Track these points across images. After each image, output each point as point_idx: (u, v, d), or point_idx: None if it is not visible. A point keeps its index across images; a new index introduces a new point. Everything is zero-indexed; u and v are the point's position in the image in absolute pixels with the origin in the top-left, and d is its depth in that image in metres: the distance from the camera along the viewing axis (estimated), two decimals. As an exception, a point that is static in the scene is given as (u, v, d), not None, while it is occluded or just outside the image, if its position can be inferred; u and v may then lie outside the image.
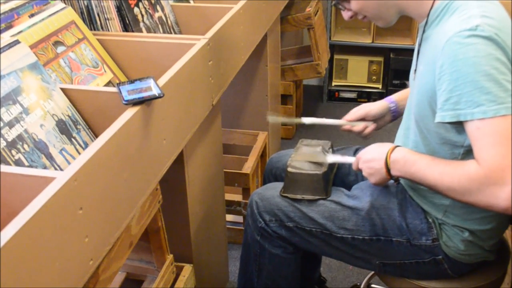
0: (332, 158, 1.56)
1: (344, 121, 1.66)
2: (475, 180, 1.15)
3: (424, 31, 1.35)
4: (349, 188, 1.58)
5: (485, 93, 1.14)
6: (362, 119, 1.65)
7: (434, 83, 1.24)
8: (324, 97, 3.82)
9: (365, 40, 3.64)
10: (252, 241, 1.60)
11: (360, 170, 1.42)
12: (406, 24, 3.68)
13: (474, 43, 1.16)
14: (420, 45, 1.39)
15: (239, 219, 2.44)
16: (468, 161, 1.18)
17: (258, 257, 1.60)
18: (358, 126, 1.64)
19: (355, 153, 1.70)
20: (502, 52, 1.17)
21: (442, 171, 1.22)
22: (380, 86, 3.76)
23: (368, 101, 3.72)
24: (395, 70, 3.68)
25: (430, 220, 1.42)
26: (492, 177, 1.13)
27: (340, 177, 1.68)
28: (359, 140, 1.75)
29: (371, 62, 3.71)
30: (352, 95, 3.79)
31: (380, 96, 3.72)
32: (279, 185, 1.57)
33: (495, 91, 1.14)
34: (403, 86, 3.69)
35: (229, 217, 2.41)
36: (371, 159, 1.36)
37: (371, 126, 1.65)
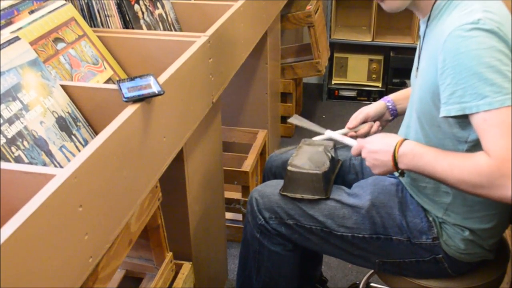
0: (331, 133, 1.53)
1: (347, 130, 1.62)
2: (485, 172, 1.14)
3: (426, 26, 1.35)
4: (349, 186, 1.58)
5: (489, 85, 1.13)
6: (364, 122, 1.63)
7: (436, 78, 1.24)
8: (324, 95, 3.82)
9: (365, 38, 3.63)
10: (251, 238, 1.60)
11: (358, 155, 1.40)
12: (406, 22, 3.68)
13: (476, 36, 1.16)
14: (422, 42, 1.39)
15: (239, 217, 2.44)
16: (478, 152, 1.17)
17: (257, 254, 1.60)
18: (363, 129, 1.62)
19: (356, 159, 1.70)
20: (505, 44, 1.16)
21: (451, 163, 1.20)
22: (380, 84, 3.75)
23: (368, 99, 3.74)
24: (395, 68, 3.68)
25: (430, 218, 1.42)
26: (503, 168, 1.11)
27: (341, 175, 1.68)
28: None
29: (371, 60, 3.71)
30: (352, 94, 3.78)
31: (380, 94, 3.71)
32: (279, 183, 1.57)
33: (499, 82, 1.13)
34: (403, 84, 3.69)
35: (229, 215, 2.40)
36: (377, 150, 1.33)
37: (375, 125, 1.62)
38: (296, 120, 1.68)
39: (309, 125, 1.66)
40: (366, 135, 1.63)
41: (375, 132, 1.64)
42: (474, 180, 1.16)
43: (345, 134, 1.62)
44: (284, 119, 3.27)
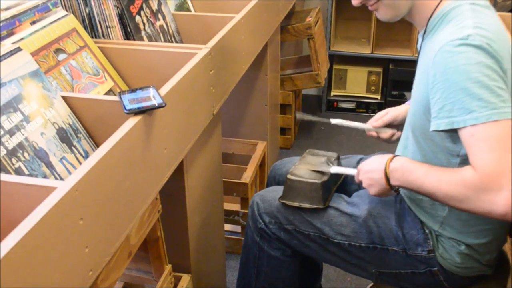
0: (335, 169, 1.56)
1: (371, 127, 1.64)
2: (471, 186, 1.15)
3: (422, 40, 1.36)
4: (350, 196, 1.59)
5: (476, 100, 1.14)
6: (389, 124, 1.63)
7: (428, 92, 1.25)
8: (323, 107, 3.83)
9: (365, 50, 3.64)
10: (251, 243, 1.61)
11: (361, 182, 1.41)
12: (405, 35, 3.68)
13: (464, 51, 1.17)
14: (419, 55, 1.40)
15: (237, 229, 2.44)
16: (465, 167, 1.18)
17: (257, 259, 1.61)
18: (386, 134, 1.63)
19: (358, 162, 1.71)
20: (494, 60, 1.17)
21: (440, 178, 1.21)
22: (379, 96, 3.76)
23: (367, 111, 3.74)
24: (394, 81, 3.68)
25: (427, 231, 1.42)
26: (488, 182, 1.12)
27: (343, 186, 1.68)
28: (362, 149, 1.74)
29: (370, 72, 3.72)
30: (351, 105, 3.79)
31: (379, 106, 3.72)
32: (280, 188, 1.58)
33: (486, 97, 1.14)
34: (402, 96, 3.70)
35: (227, 227, 2.40)
36: (370, 170, 1.36)
37: (398, 133, 1.62)
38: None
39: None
40: (387, 141, 1.63)
41: (396, 139, 1.63)
42: (460, 194, 1.17)
43: (366, 130, 1.63)
44: (283, 130, 3.28)
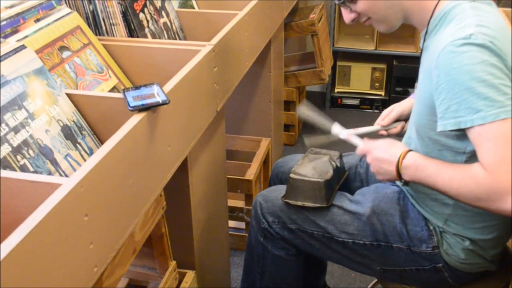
0: (338, 130, 1.53)
1: (380, 127, 1.62)
2: (482, 185, 1.15)
3: (424, 40, 1.36)
4: (354, 193, 1.58)
5: (482, 99, 1.14)
6: (396, 120, 1.62)
7: (432, 92, 1.25)
8: (327, 104, 3.83)
9: (368, 47, 3.64)
10: (255, 243, 1.61)
11: (362, 157, 1.40)
12: (409, 31, 3.68)
13: (467, 51, 1.16)
14: (421, 55, 1.39)
15: (241, 225, 2.44)
16: (475, 164, 1.18)
17: (261, 259, 1.61)
18: (396, 128, 1.62)
19: (361, 159, 1.71)
20: (498, 58, 1.17)
21: (451, 176, 1.21)
22: (382, 93, 3.76)
23: (371, 108, 3.74)
24: (398, 77, 3.68)
25: (431, 227, 1.43)
26: (498, 181, 1.13)
27: (346, 183, 1.68)
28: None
29: (374, 69, 3.72)
30: (355, 102, 3.79)
31: (383, 103, 3.72)
32: (283, 188, 1.58)
33: (492, 96, 1.14)
34: (406, 93, 3.69)
35: (231, 223, 2.40)
36: (383, 159, 1.34)
37: (407, 125, 1.60)
38: (305, 110, 1.62)
39: (317, 120, 1.61)
40: (397, 134, 1.62)
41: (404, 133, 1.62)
42: (472, 193, 1.18)
43: (376, 132, 1.61)
44: (287, 127, 3.28)
